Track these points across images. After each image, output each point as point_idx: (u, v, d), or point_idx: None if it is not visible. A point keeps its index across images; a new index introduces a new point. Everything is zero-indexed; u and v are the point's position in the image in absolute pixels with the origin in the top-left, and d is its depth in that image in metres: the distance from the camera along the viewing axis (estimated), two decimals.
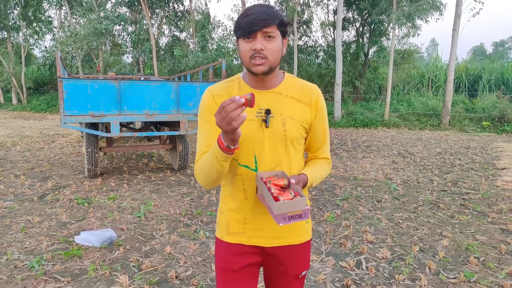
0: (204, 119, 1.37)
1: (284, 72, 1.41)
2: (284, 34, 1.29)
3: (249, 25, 1.20)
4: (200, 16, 18.78)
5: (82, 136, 7.05)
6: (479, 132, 12.44)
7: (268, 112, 1.32)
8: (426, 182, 5.96)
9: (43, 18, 23.12)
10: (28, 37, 22.73)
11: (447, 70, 14.84)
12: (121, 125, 7.36)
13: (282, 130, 1.33)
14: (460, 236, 3.75)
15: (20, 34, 22.45)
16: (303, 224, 1.45)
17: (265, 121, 1.31)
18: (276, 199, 1.18)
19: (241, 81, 1.38)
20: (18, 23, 21.93)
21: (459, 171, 6.73)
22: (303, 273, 1.48)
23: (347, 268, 3.08)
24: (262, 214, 1.36)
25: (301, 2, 18.30)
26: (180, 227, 4.00)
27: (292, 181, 1.27)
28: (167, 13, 19.25)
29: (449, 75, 13.62)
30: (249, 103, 1.08)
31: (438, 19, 15.02)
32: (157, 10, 19.28)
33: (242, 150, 1.32)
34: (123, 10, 19.35)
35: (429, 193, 5.30)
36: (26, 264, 3.13)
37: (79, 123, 5.23)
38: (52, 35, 23.45)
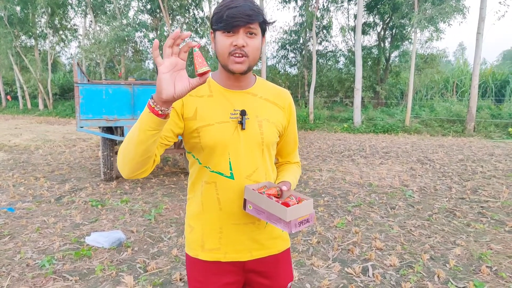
0: None
1: (255, 75, 1.34)
2: (263, 32, 1.21)
3: (232, 18, 1.10)
4: None
5: None
6: (505, 139, 12.01)
7: (243, 113, 1.22)
8: (444, 189, 5.79)
9: (69, 26, 24.00)
10: (54, 44, 23.60)
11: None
12: None
13: (259, 133, 1.24)
14: (474, 245, 3.62)
15: (47, 41, 23.32)
16: (279, 231, 1.35)
17: (241, 123, 1.21)
18: (286, 204, 1.12)
19: (210, 80, 1.27)
20: (45, 31, 22.80)
21: (480, 178, 6.51)
22: (289, 285, 1.38)
23: (352, 274, 3.02)
24: (239, 226, 1.27)
25: (320, 7, 18.25)
26: None
27: (284, 188, 1.21)
28: (187, 20, 19.57)
29: (474, 79, 13.24)
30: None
31: (462, 22, 14.70)
32: (177, 17, 19.65)
33: (214, 154, 1.22)
34: (145, 17, 19.84)
35: (446, 201, 5.15)
36: (38, 263, 3.22)
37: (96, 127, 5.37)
38: (77, 43, 24.24)
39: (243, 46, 1.13)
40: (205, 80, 0.98)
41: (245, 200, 1.21)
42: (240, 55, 1.14)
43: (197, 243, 1.30)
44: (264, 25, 1.19)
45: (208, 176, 1.24)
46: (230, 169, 1.22)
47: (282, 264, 1.36)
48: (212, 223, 1.27)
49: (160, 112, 0.99)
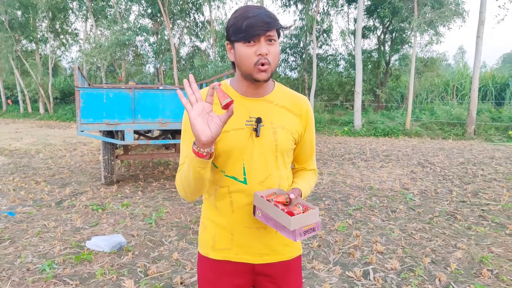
0: (185, 130, 1.31)
1: (273, 81, 1.36)
2: (279, 37, 1.25)
3: (252, 28, 1.13)
4: (220, 26, 19.07)
5: None
6: (506, 142, 12.01)
7: (259, 120, 1.24)
8: (444, 192, 5.79)
9: (69, 30, 24.08)
10: (55, 48, 23.65)
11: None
12: (138, 133, 7.51)
13: (273, 140, 1.26)
14: (475, 248, 3.62)
15: (48, 46, 23.36)
16: None
17: (256, 130, 1.24)
18: (290, 213, 1.13)
19: (229, 87, 1.30)
20: (46, 35, 22.84)
21: (481, 181, 6.51)
22: None
23: (353, 278, 3.02)
24: (251, 229, 1.29)
25: (321, 11, 18.31)
26: (189, 234, 4.03)
27: (292, 196, 1.21)
28: (187, 24, 19.65)
29: (474, 83, 13.25)
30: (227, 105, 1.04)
31: (461, 26, 14.75)
32: (178, 21, 19.73)
33: (230, 160, 1.26)
34: (145, 21, 19.91)
35: (447, 204, 5.15)
36: (38, 267, 3.21)
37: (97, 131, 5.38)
38: (78, 47, 24.31)
39: (266, 54, 1.16)
40: (232, 111, 1.03)
41: (254, 206, 1.23)
42: (265, 64, 1.16)
43: (208, 243, 1.34)
44: (280, 30, 1.21)
45: (223, 180, 1.28)
46: (244, 174, 1.25)
47: (292, 271, 1.37)
48: (224, 225, 1.31)
49: (205, 154, 1.07)
